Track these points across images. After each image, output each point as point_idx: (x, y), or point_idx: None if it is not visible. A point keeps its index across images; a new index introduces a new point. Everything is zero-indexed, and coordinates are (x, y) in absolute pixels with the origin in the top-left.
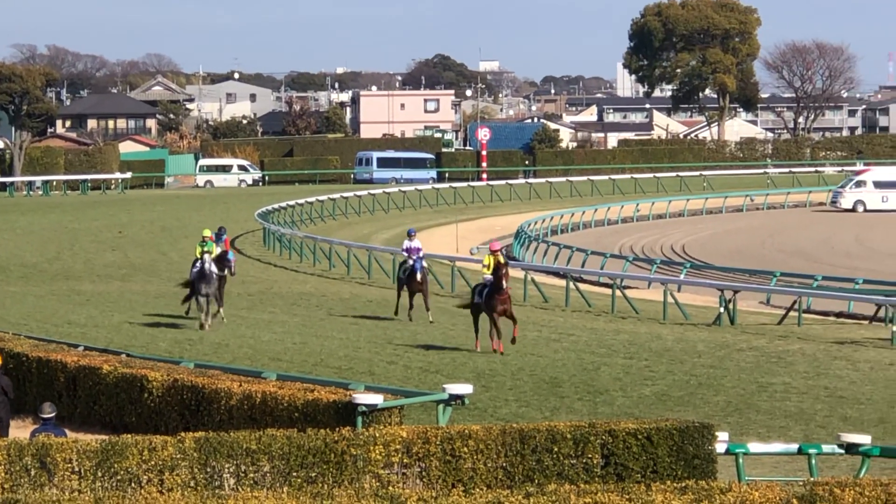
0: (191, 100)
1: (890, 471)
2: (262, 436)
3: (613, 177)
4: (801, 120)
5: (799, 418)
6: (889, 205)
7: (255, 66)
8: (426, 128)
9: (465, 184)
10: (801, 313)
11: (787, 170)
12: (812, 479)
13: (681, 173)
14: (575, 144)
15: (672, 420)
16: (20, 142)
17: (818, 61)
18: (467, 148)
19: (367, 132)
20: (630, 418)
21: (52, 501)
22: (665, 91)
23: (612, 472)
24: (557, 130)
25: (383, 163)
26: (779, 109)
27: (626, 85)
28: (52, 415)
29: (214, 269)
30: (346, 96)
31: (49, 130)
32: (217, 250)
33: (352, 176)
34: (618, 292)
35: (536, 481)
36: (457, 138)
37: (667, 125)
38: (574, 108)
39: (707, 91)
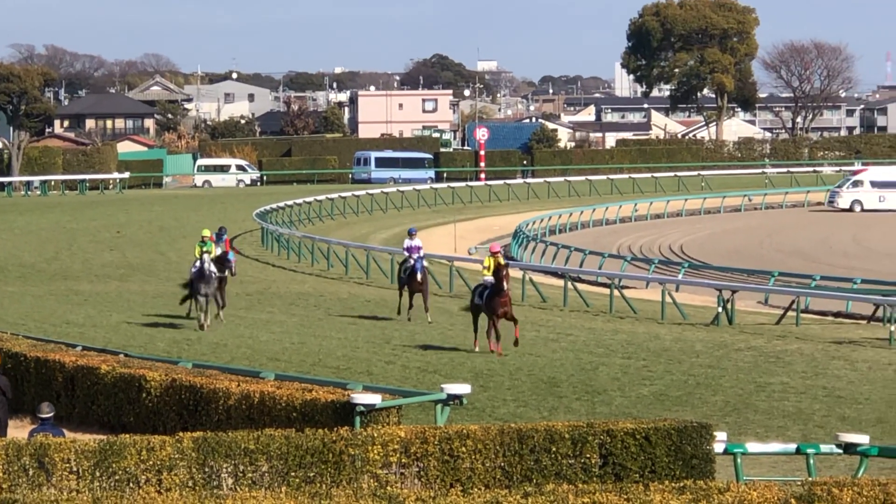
0: (189, 100)
1: (888, 470)
2: (260, 436)
3: (611, 176)
4: (799, 120)
5: (797, 418)
6: (886, 204)
7: (253, 66)
8: (424, 128)
9: (463, 184)
10: (800, 313)
11: (785, 170)
12: (810, 478)
13: (679, 173)
14: (573, 144)
15: (670, 420)
16: (18, 142)
17: (816, 61)
18: (465, 148)
19: (365, 132)
20: (628, 418)
21: (51, 501)
22: (663, 91)
23: (610, 471)
24: (555, 130)
25: (381, 163)
26: (777, 109)
27: (624, 85)
28: (51, 415)
29: (214, 268)
30: (344, 96)
31: (47, 130)
32: (217, 251)
33: (350, 176)
34: (616, 292)
35: (534, 481)
36: (455, 138)
37: (665, 125)
38: (572, 108)
39: (705, 91)
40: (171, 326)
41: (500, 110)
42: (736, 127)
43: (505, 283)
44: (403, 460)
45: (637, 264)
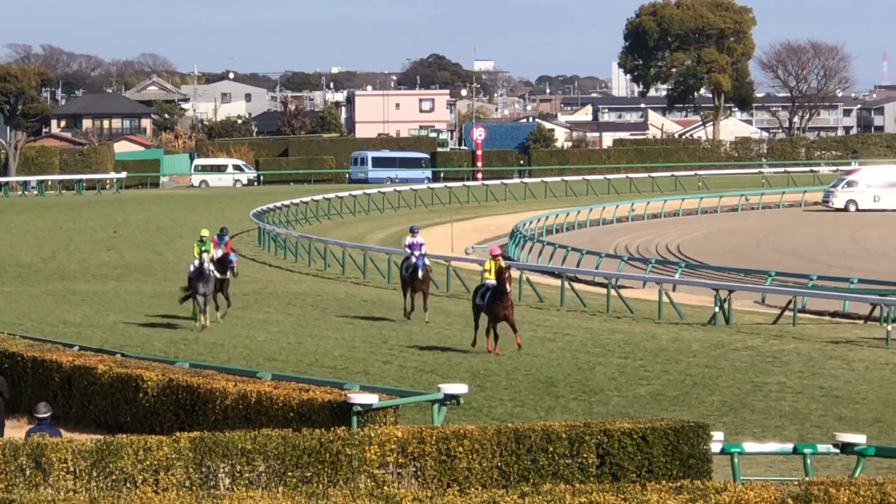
0: (186, 99)
1: (885, 470)
2: (257, 436)
3: (608, 176)
4: (796, 119)
5: (794, 418)
6: (881, 204)
7: (250, 65)
8: (421, 127)
9: (460, 183)
10: (797, 313)
11: (782, 169)
12: (807, 478)
13: (676, 173)
14: (570, 144)
15: (667, 420)
16: (15, 141)
17: (813, 61)
18: (462, 147)
19: (362, 132)
20: (625, 418)
21: (48, 501)
22: (660, 91)
23: (607, 471)
24: (552, 130)
25: (378, 162)
26: (774, 109)
27: (621, 84)
28: (48, 415)
29: (213, 268)
30: (341, 96)
31: (44, 130)
32: (219, 252)
33: (347, 176)
34: (613, 292)
35: (532, 481)
36: (452, 138)
37: (662, 125)
38: (569, 108)
39: (702, 91)
40: (169, 326)
41: (496, 110)
42: (733, 127)
43: (508, 286)
44: (400, 460)
45: (634, 264)
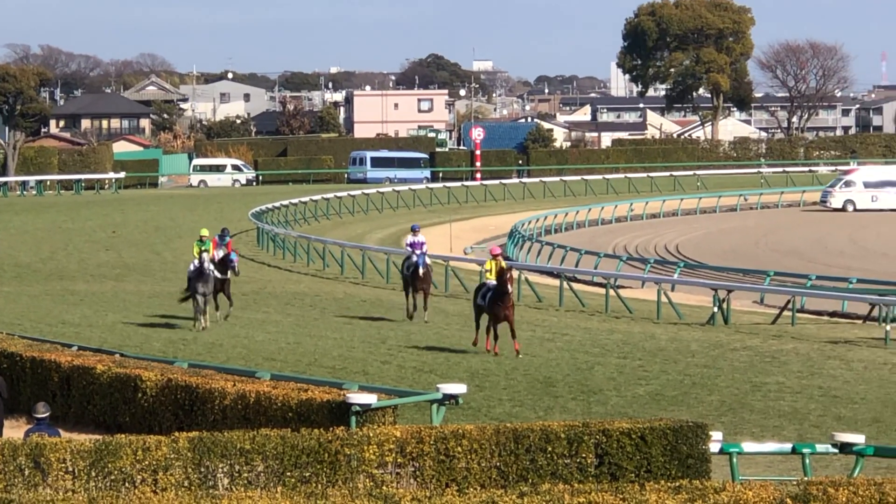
0: (184, 99)
1: (883, 470)
2: (255, 436)
3: (607, 176)
4: (794, 119)
5: (793, 418)
6: (879, 204)
7: (248, 65)
8: (420, 127)
9: (458, 183)
10: (795, 313)
11: (781, 169)
12: (806, 478)
13: (674, 173)
14: (569, 144)
15: (666, 419)
16: (14, 142)
17: (812, 61)
18: (461, 147)
19: (360, 132)
20: (624, 418)
21: (46, 501)
22: (659, 91)
23: (605, 471)
24: (551, 130)
25: (377, 162)
26: (772, 109)
27: (619, 84)
28: (46, 415)
29: (212, 268)
30: (339, 96)
31: (43, 130)
32: (220, 253)
33: (345, 175)
34: (611, 292)
35: (530, 481)
36: (450, 138)
37: (660, 125)
38: (568, 108)
39: (701, 90)
40: (167, 326)
41: (495, 110)
42: (732, 127)
43: (509, 287)
44: (399, 460)
45: (633, 264)
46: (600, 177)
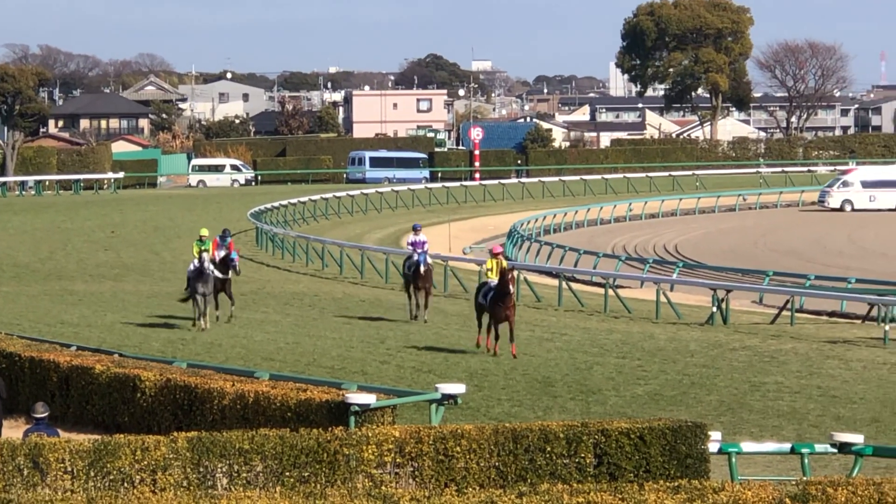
0: (183, 99)
1: (882, 470)
2: (254, 435)
3: (606, 176)
4: (793, 119)
5: (792, 417)
6: (877, 204)
7: (247, 65)
8: (419, 127)
9: (457, 183)
10: (794, 313)
11: (779, 169)
12: (805, 478)
13: (673, 173)
14: (567, 144)
15: (665, 419)
16: (13, 142)
17: (811, 61)
18: (460, 147)
19: (359, 132)
20: (623, 418)
21: (45, 501)
22: (658, 90)
23: (604, 471)
24: (550, 130)
25: (376, 162)
26: (771, 109)
27: (618, 84)
28: (45, 415)
29: (212, 268)
30: (338, 96)
31: (41, 130)
32: (221, 252)
33: (344, 175)
34: (610, 292)
35: (529, 481)
36: (449, 138)
37: (659, 125)
38: (566, 108)
39: (699, 90)
40: (166, 326)
41: (494, 110)
42: (730, 126)
43: (511, 287)
44: (398, 460)
45: (632, 264)
46: (599, 177)
